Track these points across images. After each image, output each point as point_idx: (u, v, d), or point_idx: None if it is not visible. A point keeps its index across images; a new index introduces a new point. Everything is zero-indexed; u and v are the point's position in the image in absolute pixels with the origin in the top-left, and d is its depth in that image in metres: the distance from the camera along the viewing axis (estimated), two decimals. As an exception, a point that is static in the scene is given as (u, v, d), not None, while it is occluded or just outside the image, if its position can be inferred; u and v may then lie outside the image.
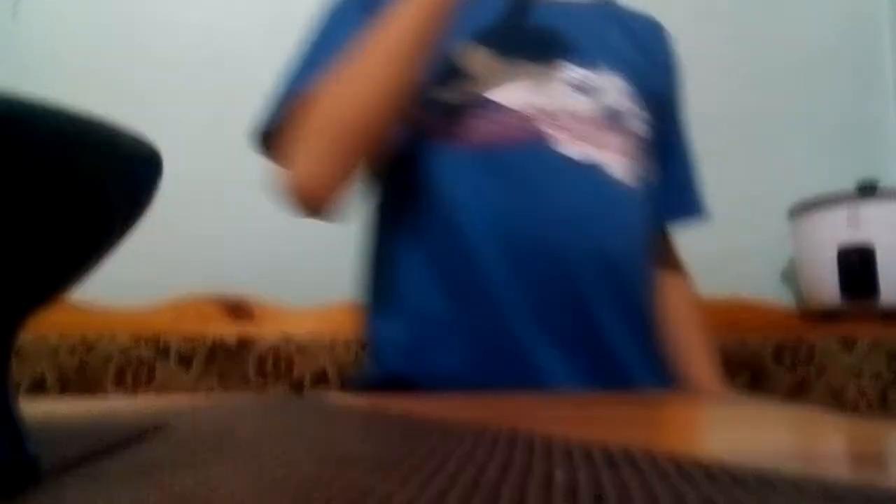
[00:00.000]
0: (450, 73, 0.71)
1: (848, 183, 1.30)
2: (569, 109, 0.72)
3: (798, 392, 1.22)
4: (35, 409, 0.36)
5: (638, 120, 0.78)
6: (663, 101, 0.85)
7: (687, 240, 1.48)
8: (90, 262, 0.26)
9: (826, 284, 1.30)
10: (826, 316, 1.34)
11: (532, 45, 0.73)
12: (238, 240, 1.38)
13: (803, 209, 1.35)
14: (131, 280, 1.30)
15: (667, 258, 0.91)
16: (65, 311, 1.20)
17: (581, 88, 0.73)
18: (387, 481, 0.23)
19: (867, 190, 1.28)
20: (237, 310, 1.28)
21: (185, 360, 1.20)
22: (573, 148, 0.71)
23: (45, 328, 1.19)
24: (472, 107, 0.70)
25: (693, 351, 0.85)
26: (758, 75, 1.56)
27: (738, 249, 1.48)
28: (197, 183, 1.38)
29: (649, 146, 0.80)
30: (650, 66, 0.82)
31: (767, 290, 1.47)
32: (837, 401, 1.19)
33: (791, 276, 1.48)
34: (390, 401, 0.58)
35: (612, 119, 0.74)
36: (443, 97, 0.71)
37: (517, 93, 0.71)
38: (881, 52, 1.60)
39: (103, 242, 0.26)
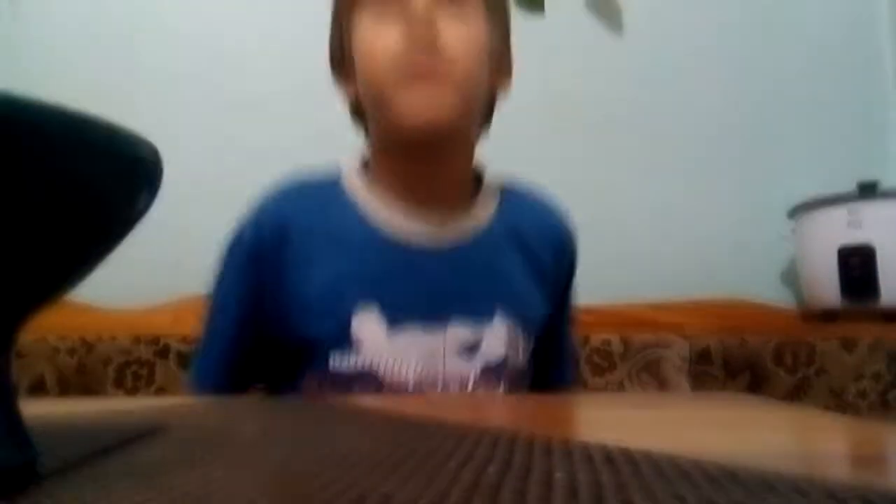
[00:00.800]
0: (341, 339, 0.69)
1: (849, 184, 1.30)
2: (453, 376, 0.71)
3: (798, 393, 1.22)
4: (35, 410, 0.36)
5: (520, 356, 0.76)
6: (552, 312, 0.81)
7: (688, 240, 1.49)
8: (90, 263, 0.26)
9: (826, 285, 1.30)
10: (826, 317, 1.34)
11: (421, 304, 0.70)
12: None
13: (804, 209, 1.35)
14: (131, 281, 1.30)
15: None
16: (64, 312, 1.19)
17: (467, 348, 0.72)
18: (387, 482, 0.23)
19: (868, 190, 1.28)
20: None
21: (185, 361, 1.20)
22: None
23: (44, 329, 1.19)
24: (359, 380, 0.68)
25: None
26: (759, 76, 1.56)
27: (739, 250, 1.48)
28: (197, 185, 1.38)
29: (532, 356, 0.79)
30: (540, 282, 0.79)
31: (768, 291, 1.46)
32: (838, 402, 1.19)
33: (792, 276, 1.48)
34: (388, 401, 0.58)
35: (494, 373, 0.73)
36: (333, 366, 0.69)
37: (404, 366, 0.69)
38: (882, 53, 1.60)
39: (104, 243, 0.25)
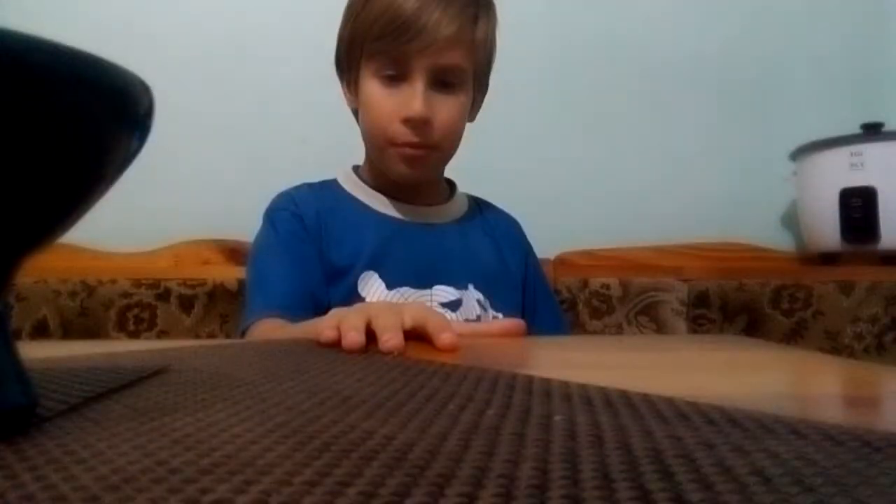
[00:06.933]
0: (350, 293, 0.85)
1: (853, 126, 1.28)
2: None
3: (795, 336, 1.23)
4: (37, 352, 0.37)
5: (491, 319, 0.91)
6: (518, 288, 0.99)
7: (688, 182, 1.48)
8: (84, 203, 0.25)
9: (827, 227, 1.29)
10: (826, 259, 1.34)
11: (414, 272, 0.88)
12: (235, 186, 1.37)
13: (806, 151, 1.33)
14: (131, 225, 1.30)
15: None
16: (66, 255, 1.20)
17: (448, 305, 0.88)
18: (387, 424, 0.23)
19: (871, 131, 1.26)
20: (235, 254, 1.28)
21: (186, 304, 1.20)
22: None
23: (46, 272, 1.20)
24: None
25: None
26: (762, 17, 1.52)
27: (740, 193, 1.47)
28: (198, 130, 1.37)
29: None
30: (504, 268, 0.98)
31: (768, 234, 1.46)
32: (833, 344, 1.20)
33: (792, 219, 1.47)
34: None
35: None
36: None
37: None
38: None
39: (96, 182, 0.25)
